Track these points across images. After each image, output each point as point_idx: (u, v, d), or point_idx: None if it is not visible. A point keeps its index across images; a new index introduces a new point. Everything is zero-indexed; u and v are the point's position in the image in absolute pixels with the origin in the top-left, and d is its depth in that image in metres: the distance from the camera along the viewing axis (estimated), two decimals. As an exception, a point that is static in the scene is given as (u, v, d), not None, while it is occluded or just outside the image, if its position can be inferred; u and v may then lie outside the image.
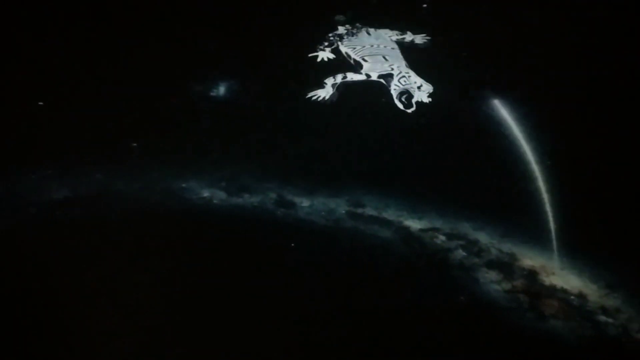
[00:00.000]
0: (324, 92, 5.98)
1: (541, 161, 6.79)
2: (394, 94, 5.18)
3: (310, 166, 7.18)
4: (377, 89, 6.51)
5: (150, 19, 7.69)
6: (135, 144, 7.47)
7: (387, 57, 5.46)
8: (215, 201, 7.46)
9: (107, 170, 7.42)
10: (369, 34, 5.85)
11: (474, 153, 7.02)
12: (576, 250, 6.20)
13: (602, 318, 5.87)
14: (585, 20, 7.69)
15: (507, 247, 6.44)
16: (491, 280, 6.30)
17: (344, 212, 6.95)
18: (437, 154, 7.10)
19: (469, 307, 6.12)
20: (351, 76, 5.41)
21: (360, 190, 6.94)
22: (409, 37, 6.00)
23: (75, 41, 7.66)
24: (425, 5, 7.54)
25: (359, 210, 6.89)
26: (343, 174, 7.06)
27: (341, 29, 6.17)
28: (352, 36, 5.83)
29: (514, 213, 6.60)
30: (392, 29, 6.34)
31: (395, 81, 5.31)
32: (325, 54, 5.77)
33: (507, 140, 7.01)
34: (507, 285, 6.24)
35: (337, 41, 5.83)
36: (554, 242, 6.30)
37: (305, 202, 7.13)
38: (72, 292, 6.65)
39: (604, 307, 5.90)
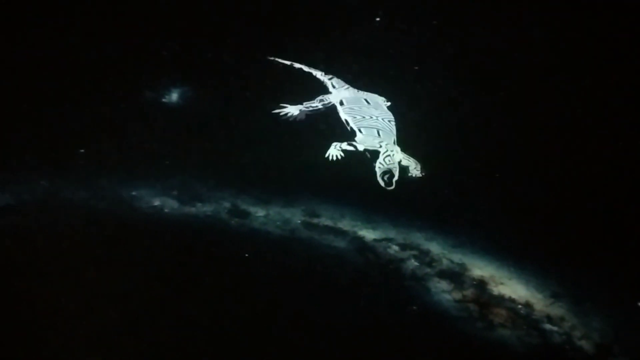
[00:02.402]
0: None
1: (489, 173, 6.99)
2: (378, 171, 5.48)
3: (265, 175, 7.13)
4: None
5: (99, 20, 7.46)
6: (82, 150, 7.23)
7: (380, 132, 5.68)
8: (166, 210, 7.28)
9: (52, 177, 7.16)
10: (367, 102, 6.02)
11: (425, 166, 7.14)
12: (523, 261, 6.42)
13: (548, 326, 6.11)
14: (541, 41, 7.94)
15: (458, 257, 6.61)
16: (443, 290, 6.44)
17: (299, 222, 6.94)
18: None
19: (421, 316, 6.25)
20: (342, 146, 5.55)
21: (316, 200, 6.96)
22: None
23: (20, 44, 7.33)
24: (378, 19, 7.65)
25: (315, 220, 6.90)
26: (299, 184, 7.05)
27: (326, 80, 6.28)
28: (350, 98, 5.91)
29: (464, 224, 6.77)
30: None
31: (380, 159, 5.58)
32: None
33: (456, 153, 7.18)
34: (457, 295, 6.40)
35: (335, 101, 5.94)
36: (503, 253, 6.50)
37: (260, 212, 7.07)
38: (14, 299, 6.38)
39: (550, 316, 6.14)
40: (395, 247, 6.71)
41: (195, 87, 7.54)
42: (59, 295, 6.45)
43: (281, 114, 5.92)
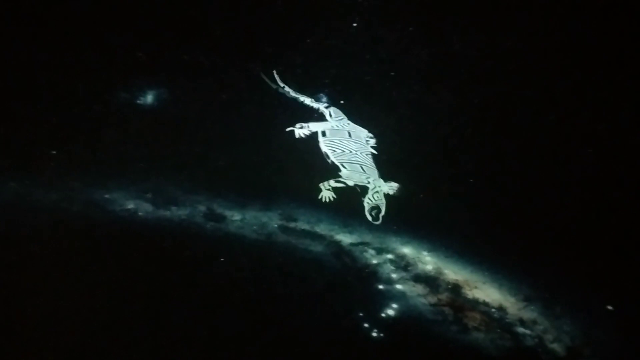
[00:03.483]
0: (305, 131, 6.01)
1: (464, 179, 7.08)
2: (366, 206, 5.58)
3: (241, 178, 7.09)
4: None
5: (74, 20, 7.29)
6: (54, 152, 7.06)
7: (364, 168, 5.69)
8: (140, 213, 7.18)
9: (22, 179, 6.97)
10: (349, 135, 6.02)
11: (401, 170, 7.19)
12: (497, 265, 6.54)
13: (520, 329, 6.24)
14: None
15: (433, 261, 6.69)
16: (418, 294, 6.52)
17: (276, 226, 6.93)
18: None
19: (397, 320, 6.30)
20: (331, 184, 5.67)
21: (293, 204, 6.96)
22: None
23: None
24: (355, 25, 7.68)
25: (292, 225, 6.90)
26: (275, 188, 7.03)
27: (322, 107, 6.25)
28: (333, 130, 6.04)
29: (439, 228, 6.85)
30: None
31: (369, 195, 5.56)
32: (302, 131, 5.87)
33: (431, 159, 7.24)
34: (432, 299, 6.48)
35: (317, 130, 5.98)
36: (477, 257, 6.60)
37: (236, 216, 7.03)
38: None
39: (522, 319, 6.27)
40: (372, 251, 6.76)
41: (171, 89, 7.44)
42: (30, 298, 6.31)
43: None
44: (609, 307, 6.07)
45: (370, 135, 6.19)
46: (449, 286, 6.51)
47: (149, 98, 7.38)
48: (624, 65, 6.97)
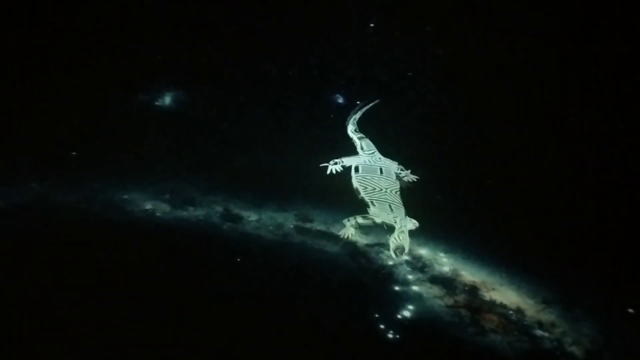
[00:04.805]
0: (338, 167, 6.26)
1: (482, 180, 7.02)
2: (391, 245, 5.66)
3: (258, 180, 7.12)
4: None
5: (94, 22, 7.41)
6: (74, 153, 7.18)
7: (392, 207, 5.85)
8: (158, 214, 7.25)
9: (43, 180, 7.10)
10: (381, 172, 6.18)
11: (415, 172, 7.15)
12: (515, 267, 6.46)
13: (539, 332, 6.15)
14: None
15: (450, 262, 6.63)
16: (435, 295, 6.46)
17: (292, 226, 6.95)
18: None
19: (414, 321, 6.26)
20: (358, 220, 5.86)
21: (309, 205, 6.97)
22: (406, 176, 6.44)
23: (12, 47, 7.26)
24: (372, 25, 7.67)
25: (307, 225, 6.91)
26: (292, 189, 7.05)
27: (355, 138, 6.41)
28: (366, 167, 6.15)
29: (457, 229, 6.79)
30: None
31: (395, 234, 5.73)
32: (335, 167, 6.10)
33: (449, 159, 7.19)
34: (449, 300, 6.42)
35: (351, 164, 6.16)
36: (494, 259, 6.54)
37: (252, 216, 7.06)
38: (2, 301, 6.32)
39: (540, 322, 6.19)
40: (388, 253, 6.72)
41: (189, 91, 7.53)
42: (50, 297, 6.40)
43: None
44: (630, 310, 5.97)
45: (401, 167, 6.34)
46: (466, 288, 6.46)
47: (167, 100, 7.48)
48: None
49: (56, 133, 7.15)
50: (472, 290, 6.45)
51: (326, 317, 6.34)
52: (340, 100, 7.39)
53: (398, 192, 6.07)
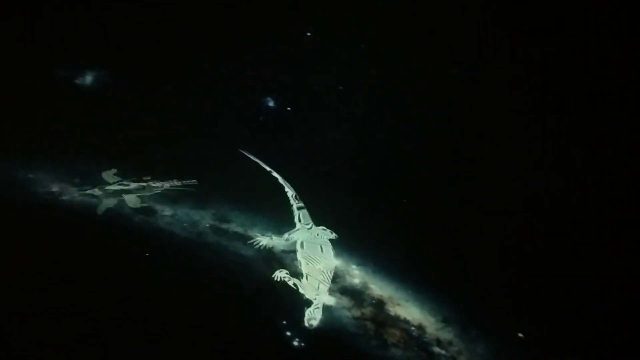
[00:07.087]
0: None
1: (397, 198, 7.24)
2: (306, 316, 6.24)
3: (177, 174, 6.91)
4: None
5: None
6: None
7: (320, 286, 6.48)
8: (64, 197, 6.83)
9: None
10: (322, 250, 6.69)
11: (339, 185, 7.27)
12: (421, 285, 6.71)
13: (436, 349, 6.43)
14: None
15: (361, 275, 6.78)
16: (343, 306, 6.58)
17: (208, 225, 6.79)
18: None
19: (320, 330, 6.33)
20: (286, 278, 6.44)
21: (228, 205, 6.85)
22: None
23: None
24: (309, 34, 7.71)
25: (224, 226, 6.79)
26: (211, 186, 6.91)
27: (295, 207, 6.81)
28: (309, 244, 6.64)
29: (370, 244, 6.94)
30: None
31: (311, 308, 6.32)
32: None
33: (364, 175, 7.35)
34: (356, 312, 6.56)
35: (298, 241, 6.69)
36: (402, 275, 6.76)
37: (167, 211, 6.83)
38: None
39: (439, 339, 6.47)
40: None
41: (112, 73, 7.16)
42: None
43: (254, 243, 6.58)
44: (520, 335, 6.40)
45: (330, 233, 6.81)
46: (374, 301, 6.63)
47: (88, 79, 7.07)
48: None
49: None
50: (379, 304, 6.63)
51: (233, 321, 6.27)
52: (271, 104, 7.36)
53: (332, 271, 6.60)
